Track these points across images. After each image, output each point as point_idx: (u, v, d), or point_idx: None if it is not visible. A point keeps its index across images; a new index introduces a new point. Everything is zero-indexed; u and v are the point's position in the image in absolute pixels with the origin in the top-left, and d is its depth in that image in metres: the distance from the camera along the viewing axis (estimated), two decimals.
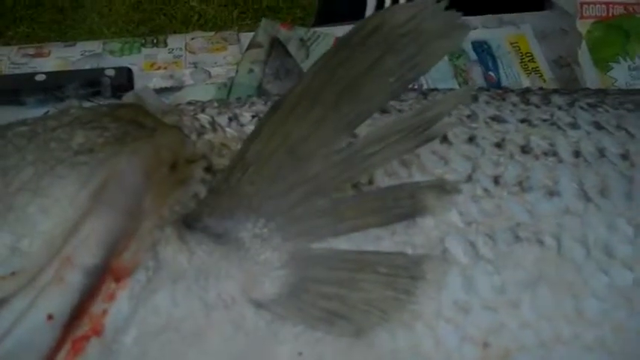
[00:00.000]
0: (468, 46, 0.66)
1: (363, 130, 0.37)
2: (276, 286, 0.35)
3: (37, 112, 0.62)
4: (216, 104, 0.45)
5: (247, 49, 0.61)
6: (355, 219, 0.36)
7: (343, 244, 0.36)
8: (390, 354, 0.35)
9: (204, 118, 0.42)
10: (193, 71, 0.68)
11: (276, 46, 0.60)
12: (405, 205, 0.36)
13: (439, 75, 0.63)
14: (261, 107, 0.44)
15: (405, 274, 0.35)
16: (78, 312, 0.33)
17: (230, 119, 0.42)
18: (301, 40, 0.60)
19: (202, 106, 0.44)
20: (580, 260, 0.38)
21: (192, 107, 0.44)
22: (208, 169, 0.39)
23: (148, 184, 0.37)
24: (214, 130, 0.41)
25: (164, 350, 0.34)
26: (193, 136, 0.41)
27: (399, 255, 0.36)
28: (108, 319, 0.34)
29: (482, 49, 0.66)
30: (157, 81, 0.67)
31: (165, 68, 0.69)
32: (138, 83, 0.66)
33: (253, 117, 0.42)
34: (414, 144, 0.36)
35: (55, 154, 0.36)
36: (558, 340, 0.36)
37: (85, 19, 2.04)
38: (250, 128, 0.41)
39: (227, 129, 0.42)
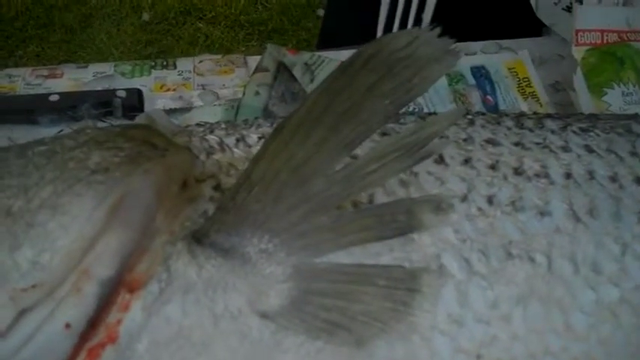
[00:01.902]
0: (466, 71, 0.68)
1: (363, 150, 0.39)
2: (280, 298, 0.37)
3: (51, 131, 0.64)
4: (223, 126, 0.47)
5: (254, 72, 0.64)
6: (355, 234, 0.38)
7: (344, 259, 0.38)
8: None
9: (212, 139, 0.45)
10: (201, 93, 0.71)
11: (282, 70, 0.62)
12: (401, 220, 0.38)
13: (438, 99, 0.65)
14: (267, 129, 0.46)
15: (403, 286, 0.37)
16: (94, 321, 0.35)
17: (237, 140, 0.44)
18: (306, 64, 0.63)
19: (211, 128, 0.47)
20: (569, 277, 0.40)
21: (201, 129, 0.47)
22: (217, 187, 0.41)
23: (159, 202, 0.39)
24: (222, 150, 0.44)
25: (174, 358, 0.36)
26: (202, 157, 0.43)
27: (397, 268, 0.38)
28: (122, 327, 0.36)
29: (481, 73, 0.68)
30: (167, 102, 0.70)
31: (174, 90, 0.71)
32: (148, 104, 0.69)
33: (260, 138, 0.45)
34: (410, 162, 0.38)
35: (73, 173, 0.38)
36: (547, 353, 0.38)
37: (93, 40, 2.08)
38: (257, 149, 0.43)
39: (235, 149, 0.44)
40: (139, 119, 0.47)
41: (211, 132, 0.46)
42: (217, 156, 0.43)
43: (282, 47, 0.64)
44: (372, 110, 0.37)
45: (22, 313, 0.34)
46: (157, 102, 0.69)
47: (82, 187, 0.37)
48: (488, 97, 0.67)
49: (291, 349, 0.36)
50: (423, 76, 0.37)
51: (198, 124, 0.48)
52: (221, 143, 0.44)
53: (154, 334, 0.36)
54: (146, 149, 0.40)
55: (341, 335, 0.37)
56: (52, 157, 0.40)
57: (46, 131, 0.64)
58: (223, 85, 0.72)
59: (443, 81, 0.67)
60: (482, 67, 0.69)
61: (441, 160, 0.43)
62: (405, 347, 0.37)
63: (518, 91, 0.68)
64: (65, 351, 0.35)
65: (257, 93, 0.61)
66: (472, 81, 0.68)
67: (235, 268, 0.37)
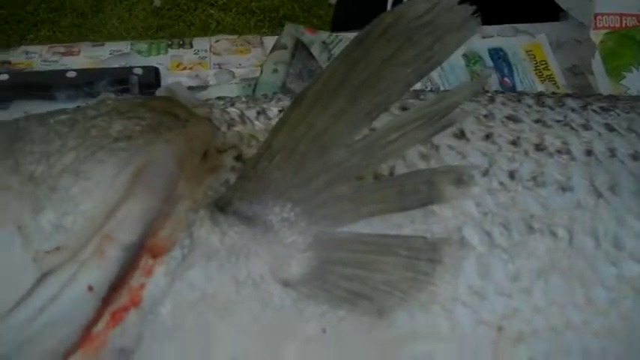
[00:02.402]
0: (484, 53, 0.68)
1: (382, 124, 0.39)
2: (301, 267, 0.37)
3: (68, 106, 0.64)
4: (244, 99, 0.47)
5: (272, 50, 0.64)
6: (375, 204, 0.38)
7: (365, 230, 0.38)
8: (409, 334, 0.37)
9: (233, 111, 0.45)
10: (218, 72, 0.71)
11: (300, 48, 0.62)
12: (422, 191, 0.38)
13: (456, 80, 0.65)
14: (287, 103, 0.46)
15: (424, 256, 0.37)
16: (117, 285, 0.36)
17: (258, 113, 0.44)
18: (324, 43, 0.63)
19: (231, 101, 0.47)
20: (590, 252, 0.39)
21: (221, 102, 0.47)
22: (238, 158, 0.41)
23: (181, 171, 0.39)
24: (243, 122, 0.44)
25: (197, 322, 0.36)
26: (223, 128, 0.43)
27: (418, 239, 0.38)
28: (145, 291, 0.36)
29: (499, 55, 0.68)
30: (183, 80, 0.70)
31: (190, 68, 0.71)
32: (164, 82, 0.69)
33: (280, 111, 0.45)
34: (431, 131, 0.38)
35: (96, 140, 0.38)
36: (568, 326, 0.38)
37: (105, 24, 2.08)
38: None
39: (255, 122, 0.44)
40: (159, 92, 0.47)
41: (232, 105, 0.46)
42: (238, 128, 0.43)
43: (299, 26, 0.63)
44: (392, 79, 0.37)
45: (45, 275, 0.35)
46: (174, 80, 0.69)
47: (104, 153, 0.38)
48: (506, 79, 0.67)
49: (313, 318, 0.36)
50: (443, 44, 0.37)
51: (218, 98, 0.48)
52: (242, 116, 0.44)
53: (177, 299, 0.36)
54: (168, 119, 0.41)
55: (363, 305, 0.37)
56: (73, 126, 0.40)
57: (63, 107, 0.64)
58: (239, 64, 0.72)
59: (460, 62, 0.67)
60: (500, 50, 0.69)
61: (461, 134, 0.43)
62: (427, 318, 0.37)
63: (536, 73, 0.68)
64: (88, 313, 0.35)
65: (275, 70, 0.61)
66: (490, 63, 0.68)
67: (257, 236, 0.37)
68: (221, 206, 0.38)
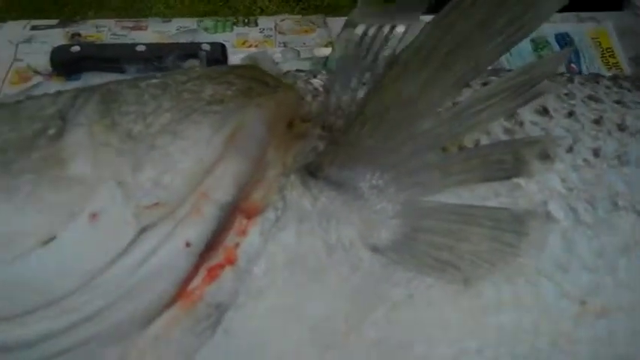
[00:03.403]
0: (551, 38, 0.68)
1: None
2: (390, 233, 0.38)
3: None
4: (324, 72, 0.47)
5: (343, 28, 0.64)
6: (461, 174, 0.39)
7: (451, 201, 0.39)
8: (494, 305, 0.38)
9: (317, 82, 0.45)
10: (283, 50, 0.71)
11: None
12: (507, 162, 0.38)
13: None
14: (368, 76, 0.46)
15: (509, 228, 0.38)
16: (212, 243, 0.36)
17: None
18: None
19: (313, 73, 0.47)
20: None
21: (303, 73, 0.47)
22: (324, 127, 0.42)
23: (270, 136, 0.40)
24: (328, 93, 0.44)
25: (289, 282, 0.37)
26: (308, 98, 0.44)
27: (504, 210, 0.38)
28: (240, 250, 0.37)
29: (565, 41, 0.68)
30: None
31: (256, 46, 0.72)
32: (231, 59, 0.70)
33: (363, 84, 0.45)
34: (520, 102, 0.38)
35: (189, 103, 0.39)
36: None
37: (151, 8, 2.09)
38: (361, 94, 0.44)
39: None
40: (243, 60, 0.48)
41: (314, 76, 0.46)
42: (323, 98, 0.44)
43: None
44: (482, 48, 0.37)
45: (144, 230, 0.35)
46: (240, 57, 0.70)
47: (199, 115, 0.38)
48: (573, 65, 0.67)
49: (400, 284, 0.37)
50: (535, 12, 0.37)
51: (297, 70, 0.49)
52: (325, 86, 0.45)
53: (271, 259, 0.37)
54: (257, 85, 0.41)
55: (450, 273, 0.37)
56: (166, 89, 0.41)
57: None
58: (304, 43, 0.72)
59: (528, 47, 0.67)
60: (567, 35, 0.69)
61: (545, 111, 0.43)
62: (511, 289, 0.38)
63: (602, 61, 0.68)
64: (185, 268, 0.36)
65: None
66: (557, 48, 0.67)
67: (348, 202, 0.38)
68: (312, 171, 0.39)
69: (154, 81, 0.42)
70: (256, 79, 0.42)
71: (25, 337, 0.35)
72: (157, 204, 0.36)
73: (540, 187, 0.40)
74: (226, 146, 0.37)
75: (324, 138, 0.41)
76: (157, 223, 0.36)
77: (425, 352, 0.37)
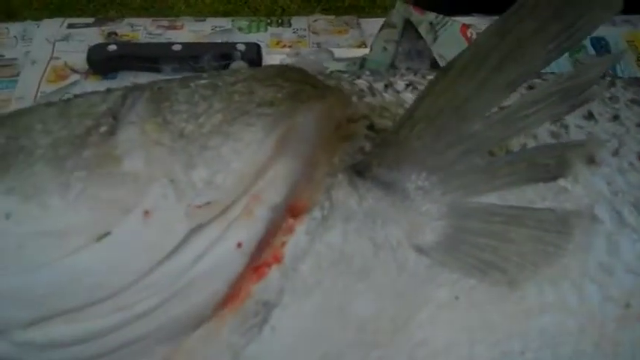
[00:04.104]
0: (587, 42, 0.68)
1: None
2: (435, 235, 0.38)
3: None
4: (368, 73, 0.48)
5: (381, 28, 0.65)
6: (507, 177, 0.39)
7: (498, 201, 0.39)
8: (538, 307, 0.38)
9: (361, 83, 0.46)
10: (317, 50, 0.72)
11: (409, 27, 0.63)
12: (553, 165, 0.39)
13: (558, 68, 0.65)
14: (412, 77, 0.47)
15: (554, 229, 0.38)
16: (261, 243, 0.37)
17: (386, 86, 0.45)
18: (431, 24, 0.63)
19: (357, 74, 0.48)
20: None
21: (346, 74, 0.48)
22: (370, 127, 0.42)
23: (319, 137, 0.40)
24: (373, 94, 0.45)
25: (336, 281, 0.37)
26: (354, 99, 0.44)
27: (548, 211, 0.39)
28: (287, 249, 0.37)
29: (601, 45, 0.68)
30: (283, 58, 0.71)
31: (290, 47, 0.73)
32: (266, 58, 0.70)
33: (407, 85, 0.46)
34: (566, 108, 0.38)
35: (240, 104, 0.40)
36: None
37: (172, 8, 2.11)
38: (406, 95, 0.44)
39: (384, 94, 0.45)
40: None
41: (359, 77, 0.47)
42: (368, 99, 0.44)
43: (409, 5, 0.64)
44: (534, 53, 0.37)
45: (196, 229, 0.36)
46: (275, 57, 0.70)
47: (251, 117, 0.39)
48: (608, 70, 0.67)
49: (445, 285, 0.38)
50: (586, 20, 0.37)
51: (339, 71, 0.49)
52: (370, 88, 0.45)
53: (317, 258, 0.37)
54: (306, 88, 0.42)
55: (494, 275, 0.37)
56: (216, 90, 0.41)
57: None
58: (337, 44, 0.73)
59: None
60: (603, 39, 0.69)
61: (589, 115, 0.44)
62: (556, 292, 0.38)
63: (638, 64, 0.68)
64: (236, 269, 0.36)
65: (384, 49, 0.62)
66: (592, 51, 0.67)
67: (395, 203, 0.38)
68: (359, 171, 0.39)
69: (203, 82, 0.43)
70: (304, 81, 0.43)
71: (76, 333, 0.36)
72: (208, 203, 0.36)
73: (586, 191, 0.40)
74: (277, 148, 0.38)
75: (370, 139, 0.41)
76: (209, 222, 0.36)
77: (468, 352, 0.37)
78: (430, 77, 0.45)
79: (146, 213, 0.36)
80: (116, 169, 0.37)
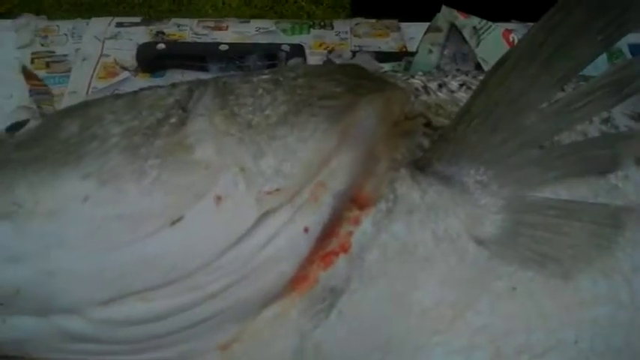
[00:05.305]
0: (625, 48, 0.69)
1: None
2: (494, 227, 0.39)
3: None
4: (421, 73, 0.49)
5: (427, 32, 0.66)
6: (560, 169, 0.41)
7: (552, 196, 0.41)
8: (591, 299, 0.39)
9: (416, 82, 0.47)
10: (359, 53, 0.73)
11: (454, 31, 0.65)
12: (604, 158, 0.40)
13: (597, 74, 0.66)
14: (464, 77, 0.48)
15: (607, 223, 0.39)
16: (327, 231, 0.39)
17: (440, 85, 0.47)
18: (474, 28, 0.65)
19: (410, 74, 0.49)
20: None
21: (400, 74, 0.49)
22: (427, 124, 0.44)
23: (379, 131, 0.42)
24: (427, 93, 0.46)
25: (400, 271, 0.39)
26: (411, 97, 0.46)
27: (602, 206, 0.40)
28: (354, 239, 0.39)
29: (639, 52, 0.69)
30: (327, 61, 0.72)
31: (332, 49, 0.74)
32: (309, 59, 0.72)
33: (461, 85, 0.47)
34: (617, 99, 0.39)
35: (303, 97, 0.41)
36: None
37: (199, 11, 2.14)
38: (460, 94, 0.46)
39: (439, 93, 0.46)
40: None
41: (412, 77, 0.48)
42: (424, 97, 0.46)
43: (453, 9, 0.66)
44: (583, 46, 0.38)
45: (265, 214, 0.38)
46: (318, 58, 0.72)
47: (314, 108, 0.40)
48: None
49: (504, 276, 0.39)
50: (632, 13, 0.38)
51: (393, 71, 0.51)
52: (425, 87, 0.47)
53: (383, 248, 0.39)
54: (365, 83, 0.43)
55: (550, 267, 0.39)
56: (278, 84, 0.43)
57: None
58: (379, 47, 0.74)
59: (603, 56, 0.68)
60: None
61: (638, 116, 0.45)
62: (608, 285, 0.39)
63: None
64: (303, 252, 0.38)
65: (430, 51, 0.64)
66: (630, 57, 0.69)
67: (454, 196, 0.40)
68: (421, 166, 0.41)
69: (265, 77, 0.44)
70: (363, 77, 0.44)
71: (151, 311, 0.37)
72: (277, 190, 0.38)
73: (636, 189, 0.41)
74: (341, 139, 0.39)
75: (428, 135, 0.43)
76: (278, 208, 0.38)
77: (525, 340, 0.39)
78: (481, 78, 0.46)
79: (218, 199, 0.37)
80: (188, 157, 0.39)
